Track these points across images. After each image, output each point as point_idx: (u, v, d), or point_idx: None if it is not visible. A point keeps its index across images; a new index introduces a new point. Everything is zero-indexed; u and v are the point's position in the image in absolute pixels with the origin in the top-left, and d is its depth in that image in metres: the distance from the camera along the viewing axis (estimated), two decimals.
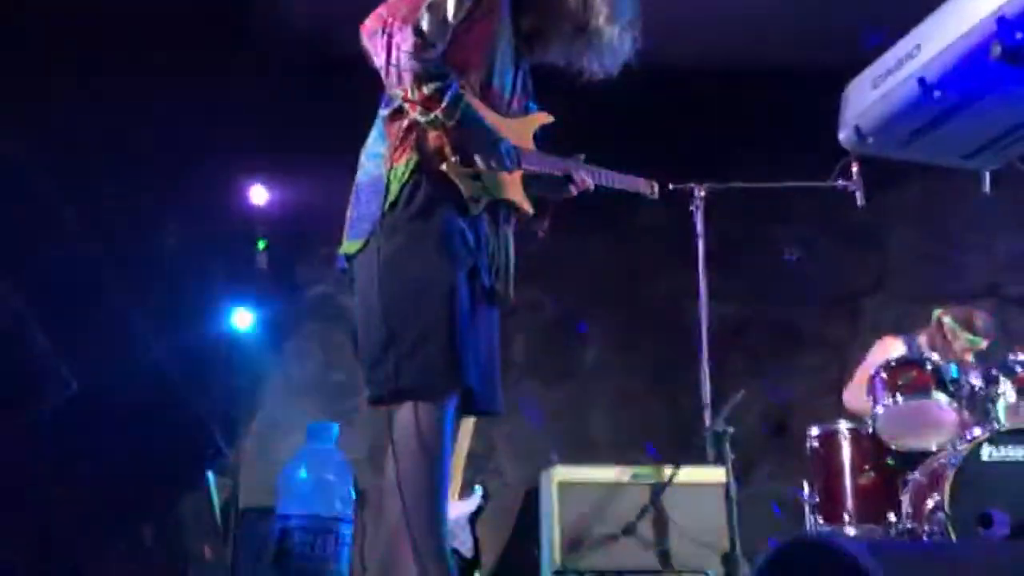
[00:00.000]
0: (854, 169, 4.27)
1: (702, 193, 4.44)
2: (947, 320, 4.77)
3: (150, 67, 4.85)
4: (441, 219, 2.40)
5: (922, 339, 4.88)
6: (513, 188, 2.55)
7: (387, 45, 2.30)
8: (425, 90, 2.29)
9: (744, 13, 5.42)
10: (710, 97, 5.91)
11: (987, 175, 2.66)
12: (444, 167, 2.39)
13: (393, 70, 2.30)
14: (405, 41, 2.28)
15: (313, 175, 5.25)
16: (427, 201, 2.39)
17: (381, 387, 2.36)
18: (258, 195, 5.73)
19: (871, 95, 2.39)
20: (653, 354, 6.05)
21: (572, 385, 6.09)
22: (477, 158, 2.41)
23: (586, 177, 2.67)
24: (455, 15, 2.35)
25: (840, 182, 4.34)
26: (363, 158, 2.53)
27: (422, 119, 2.33)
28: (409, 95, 2.31)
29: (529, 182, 2.61)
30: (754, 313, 6.13)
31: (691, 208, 4.45)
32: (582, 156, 2.72)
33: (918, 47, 2.31)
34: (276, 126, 5.34)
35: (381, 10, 2.38)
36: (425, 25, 2.30)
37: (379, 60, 2.34)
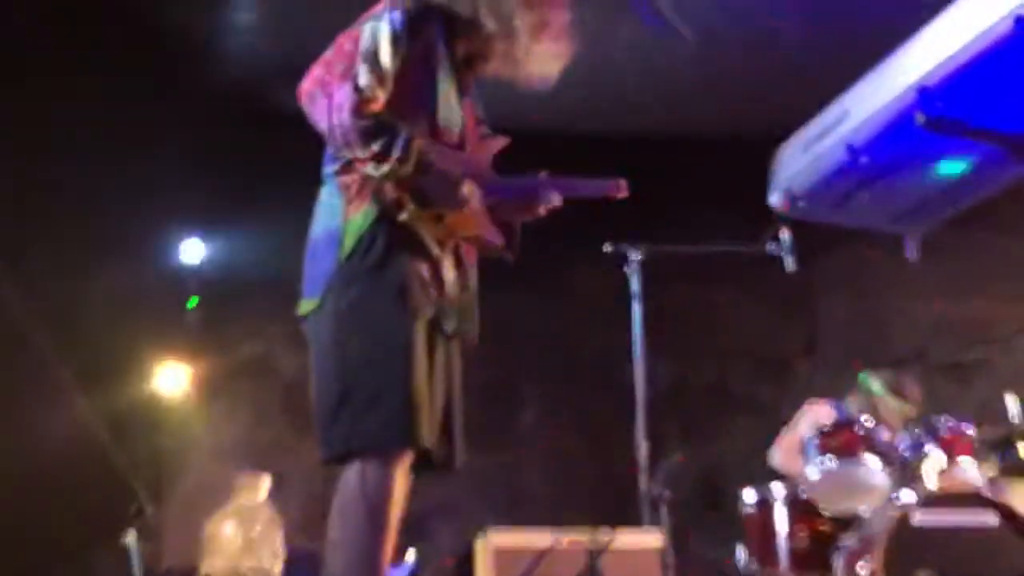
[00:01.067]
0: (784, 235, 4.34)
1: (638, 255, 4.48)
2: (876, 387, 4.83)
3: (83, 119, 4.78)
4: (400, 269, 2.34)
5: (851, 404, 4.94)
6: (479, 222, 2.49)
7: (328, 108, 2.25)
8: (374, 147, 2.24)
9: (679, 81, 5.55)
10: (646, 161, 5.99)
11: (911, 241, 2.74)
12: (404, 216, 2.34)
13: (338, 133, 2.25)
14: (346, 100, 2.24)
15: (249, 231, 5.21)
16: (385, 250, 2.33)
17: (335, 447, 2.30)
18: (192, 251, 5.64)
19: (802, 159, 2.46)
20: (589, 416, 6.03)
21: (507, 448, 6.04)
22: (438, 202, 2.37)
23: (552, 196, 2.63)
24: (392, 61, 2.33)
25: (771, 247, 4.41)
26: (318, 211, 2.46)
27: (375, 173, 2.29)
28: (359, 155, 2.27)
29: (493, 209, 2.55)
30: (688, 375, 6.17)
31: (626, 270, 4.48)
32: (544, 173, 2.67)
33: (846, 113, 2.39)
34: (213, 182, 5.28)
35: (317, 71, 2.33)
36: (363, 80, 2.27)
37: (322, 124, 2.28)
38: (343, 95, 2.25)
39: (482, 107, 2.66)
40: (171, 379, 5.42)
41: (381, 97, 2.30)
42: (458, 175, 2.41)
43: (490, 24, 2.48)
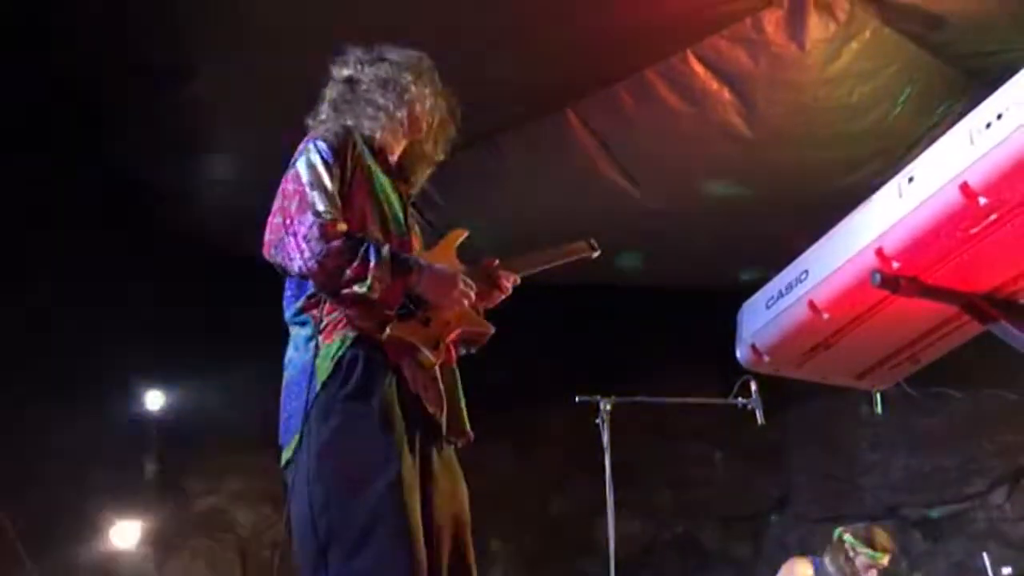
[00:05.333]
0: (753, 387, 4.35)
1: (608, 406, 4.44)
2: (848, 537, 4.82)
3: (41, 268, 4.78)
4: (382, 393, 2.22)
5: (826, 558, 4.89)
6: (464, 314, 2.40)
7: (297, 245, 2.20)
8: (355, 264, 2.17)
9: (649, 235, 5.64)
10: (616, 314, 6.05)
11: (878, 396, 2.74)
12: (388, 332, 2.23)
13: (315, 266, 2.18)
14: (310, 229, 2.19)
15: (210, 382, 5.12)
16: (365, 374, 2.21)
17: None
18: (152, 401, 5.54)
19: (765, 315, 2.48)
20: (561, 573, 5.87)
21: None
22: (437, 303, 2.30)
23: (507, 280, 2.58)
24: (331, 182, 2.30)
25: (739, 400, 4.41)
26: (290, 352, 2.34)
27: (362, 290, 2.18)
28: (343, 279, 2.17)
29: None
30: (660, 530, 6.05)
31: (597, 421, 4.44)
32: (496, 261, 2.62)
33: (806, 272, 2.43)
34: (175, 332, 5.23)
35: (273, 220, 2.29)
36: (320, 205, 2.24)
37: (295, 264, 2.21)
38: (306, 226, 2.21)
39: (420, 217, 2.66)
40: (125, 536, 5.24)
41: (339, 217, 2.26)
42: (452, 272, 2.33)
43: (399, 113, 2.50)
